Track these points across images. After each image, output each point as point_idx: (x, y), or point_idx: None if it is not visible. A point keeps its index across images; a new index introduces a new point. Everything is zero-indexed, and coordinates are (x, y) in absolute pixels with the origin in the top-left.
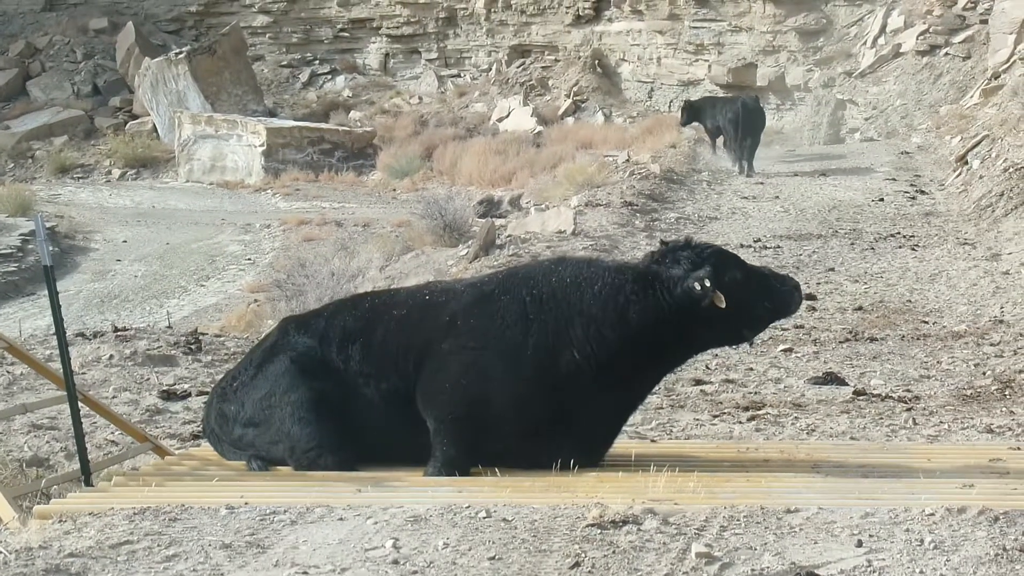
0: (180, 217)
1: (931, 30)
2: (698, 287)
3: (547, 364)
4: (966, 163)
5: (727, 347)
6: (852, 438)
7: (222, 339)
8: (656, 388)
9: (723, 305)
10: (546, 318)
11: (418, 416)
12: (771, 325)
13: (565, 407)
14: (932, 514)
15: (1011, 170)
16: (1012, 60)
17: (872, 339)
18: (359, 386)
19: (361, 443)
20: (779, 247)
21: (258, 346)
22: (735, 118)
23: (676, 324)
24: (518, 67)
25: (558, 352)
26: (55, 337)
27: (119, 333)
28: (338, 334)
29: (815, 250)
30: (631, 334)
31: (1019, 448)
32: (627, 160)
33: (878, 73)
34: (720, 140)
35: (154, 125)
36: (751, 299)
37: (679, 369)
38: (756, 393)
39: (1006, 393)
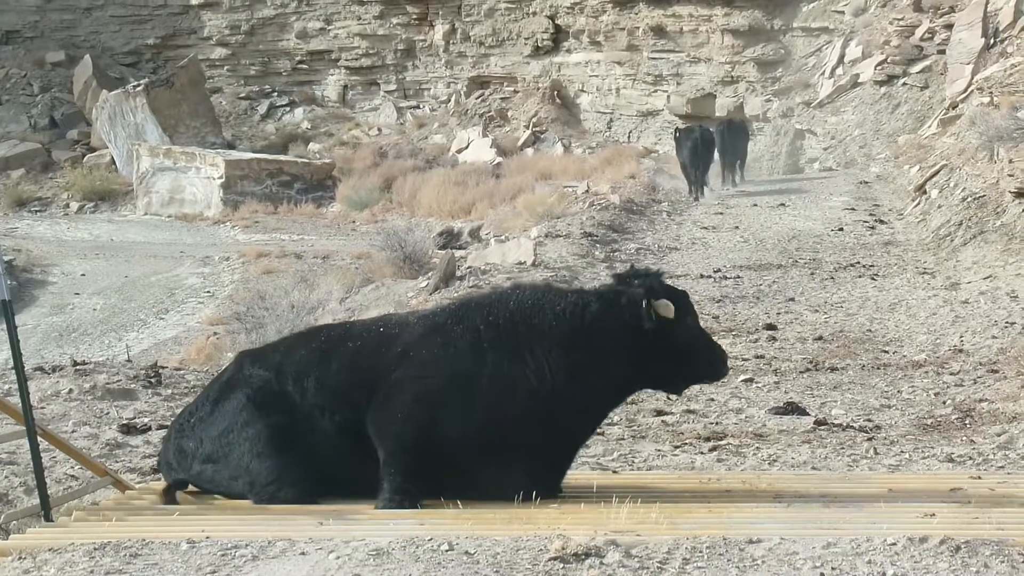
0: (139, 250)
1: (889, 60)
2: (647, 310)
3: (503, 393)
4: (925, 192)
5: (659, 390)
6: (814, 468)
7: (182, 372)
8: (614, 419)
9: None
10: (503, 345)
11: (373, 449)
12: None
13: (520, 436)
14: (894, 544)
15: (969, 199)
16: (970, 90)
17: (832, 369)
18: (315, 419)
19: (320, 475)
20: (739, 277)
21: (215, 380)
22: (694, 146)
23: (631, 349)
24: (477, 98)
25: (515, 379)
26: (13, 371)
27: (78, 367)
28: (294, 367)
29: (775, 280)
30: (591, 356)
31: (980, 477)
32: (587, 191)
33: (836, 103)
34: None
35: (112, 158)
36: (698, 349)
37: (633, 401)
38: (717, 423)
39: (966, 422)
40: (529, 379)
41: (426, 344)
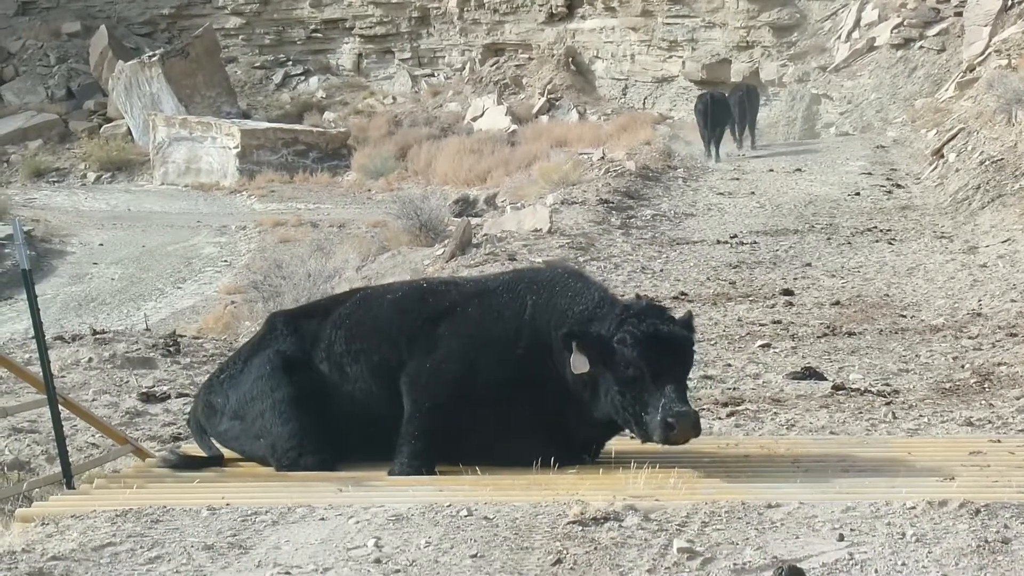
0: (156, 220)
1: (905, 23)
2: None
3: (530, 367)
4: (942, 156)
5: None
6: (832, 433)
7: (200, 341)
8: None
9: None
10: (539, 324)
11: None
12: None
13: (540, 410)
14: (913, 507)
15: (987, 163)
16: (987, 52)
17: (850, 333)
18: (345, 367)
19: (345, 436)
20: (755, 243)
21: (250, 340)
22: (704, 109)
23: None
24: (492, 66)
25: (537, 356)
26: (34, 341)
27: (97, 336)
28: (328, 325)
29: (792, 245)
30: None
31: (999, 440)
32: (602, 158)
33: (853, 67)
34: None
35: (128, 128)
36: (625, 400)
37: None
38: (735, 389)
39: (985, 386)
40: (552, 364)
41: (474, 303)
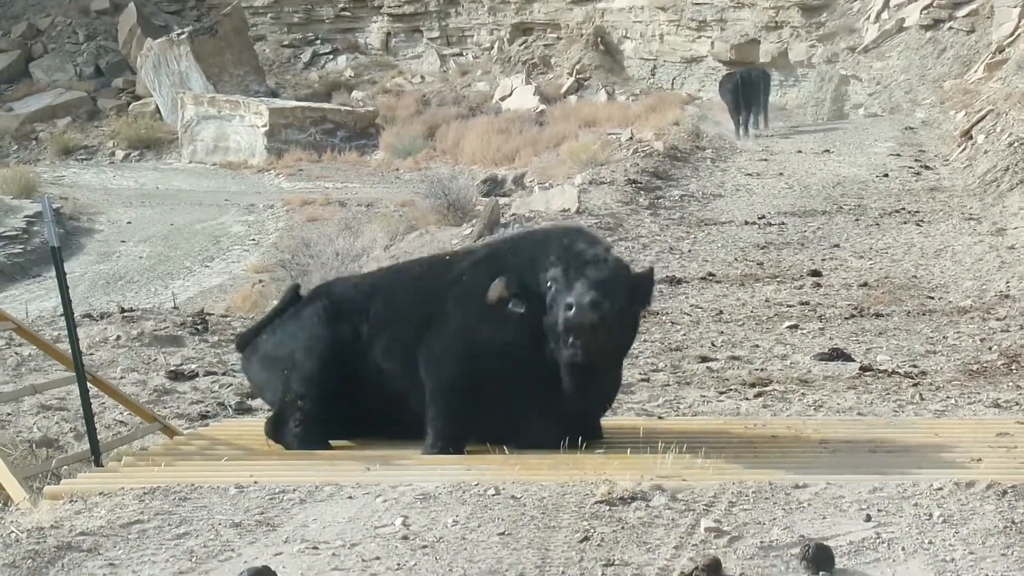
0: (184, 198)
1: (935, 4)
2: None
3: (536, 331)
4: (971, 138)
5: None
6: (859, 414)
7: (228, 319)
8: (659, 366)
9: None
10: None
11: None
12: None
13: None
14: (940, 488)
15: (1016, 144)
16: (1017, 34)
17: (878, 315)
18: (378, 335)
19: (372, 411)
20: (783, 224)
21: (293, 310)
22: (734, 88)
23: None
24: (520, 45)
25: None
26: (63, 318)
27: (126, 314)
28: (364, 290)
29: (820, 226)
30: None
31: None
32: (630, 138)
33: (882, 48)
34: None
35: (157, 106)
36: None
37: (678, 347)
38: (762, 370)
39: (1013, 368)
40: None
41: (478, 272)
